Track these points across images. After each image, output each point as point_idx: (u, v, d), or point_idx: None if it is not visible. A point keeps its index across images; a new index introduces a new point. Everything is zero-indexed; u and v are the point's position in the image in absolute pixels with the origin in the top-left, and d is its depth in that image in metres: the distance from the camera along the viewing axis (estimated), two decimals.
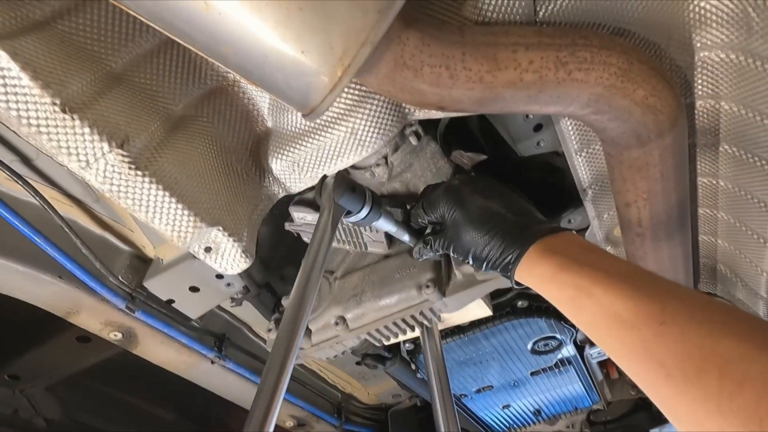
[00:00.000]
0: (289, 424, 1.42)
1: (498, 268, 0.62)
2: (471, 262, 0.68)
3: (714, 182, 0.90)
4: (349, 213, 0.68)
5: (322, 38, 0.49)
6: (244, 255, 0.73)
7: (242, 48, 0.50)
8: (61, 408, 1.27)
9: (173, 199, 0.64)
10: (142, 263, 1.04)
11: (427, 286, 0.89)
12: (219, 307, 1.20)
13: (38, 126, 0.53)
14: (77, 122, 0.55)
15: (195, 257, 0.95)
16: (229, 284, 1.02)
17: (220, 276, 0.99)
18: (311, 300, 0.58)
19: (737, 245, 0.98)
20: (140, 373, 1.31)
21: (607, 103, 0.60)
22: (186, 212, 0.65)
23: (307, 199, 0.99)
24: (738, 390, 0.33)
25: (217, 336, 1.16)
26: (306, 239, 1.05)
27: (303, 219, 1.00)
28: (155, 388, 1.41)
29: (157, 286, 1.00)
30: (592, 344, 1.24)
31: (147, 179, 0.61)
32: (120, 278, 0.95)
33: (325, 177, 0.67)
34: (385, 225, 0.76)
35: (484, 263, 0.64)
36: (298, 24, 0.48)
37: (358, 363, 1.46)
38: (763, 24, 0.61)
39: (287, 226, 1.03)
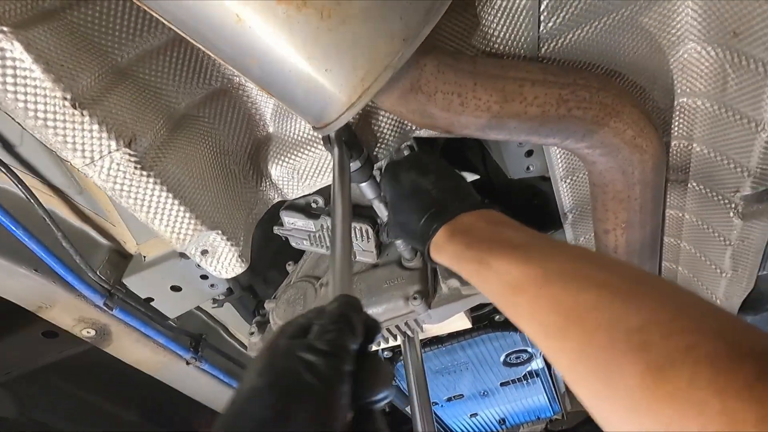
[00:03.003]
0: None
1: (420, 246, 0.64)
2: (403, 242, 0.71)
3: (680, 215, 0.98)
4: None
5: (346, 59, 0.51)
6: (240, 260, 0.73)
7: (267, 61, 0.51)
8: (17, 405, 1.20)
9: (176, 202, 0.63)
10: (121, 259, 1.00)
11: (414, 298, 0.91)
12: (198, 307, 1.18)
13: (45, 120, 0.52)
14: (86, 118, 0.53)
15: (180, 256, 0.94)
16: (212, 285, 1.01)
17: (204, 276, 0.98)
18: (350, 229, 0.61)
19: (695, 273, 1.07)
20: (103, 372, 1.26)
21: (599, 140, 0.65)
22: (187, 215, 0.65)
23: (299, 205, 1.00)
24: (593, 337, 0.35)
25: (194, 336, 1.14)
26: (294, 244, 1.05)
27: (293, 224, 1.01)
28: (118, 387, 1.36)
29: (137, 283, 0.97)
30: None
31: (152, 180, 0.60)
32: (98, 274, 0.92)
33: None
34: (369, 191, 0.80)
35: (413, 241, 0.66)
36: (326, 43, 0.49)
37: None
38: (737, 80, 0.68)
39: (276, 230, 1.03)
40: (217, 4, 0.46)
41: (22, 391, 1.19)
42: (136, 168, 0.58)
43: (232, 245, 0.71)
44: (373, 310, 0.94)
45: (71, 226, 0.93)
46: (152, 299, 1.01)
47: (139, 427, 1.52)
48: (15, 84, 0.49)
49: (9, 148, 0.81)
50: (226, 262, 0.72)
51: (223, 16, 0.47)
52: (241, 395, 0.33)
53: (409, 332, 0.99)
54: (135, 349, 1.03)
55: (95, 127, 0.54)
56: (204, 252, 0.70)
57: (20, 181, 0.76)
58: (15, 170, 0.78)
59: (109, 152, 0.56)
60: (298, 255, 1.15)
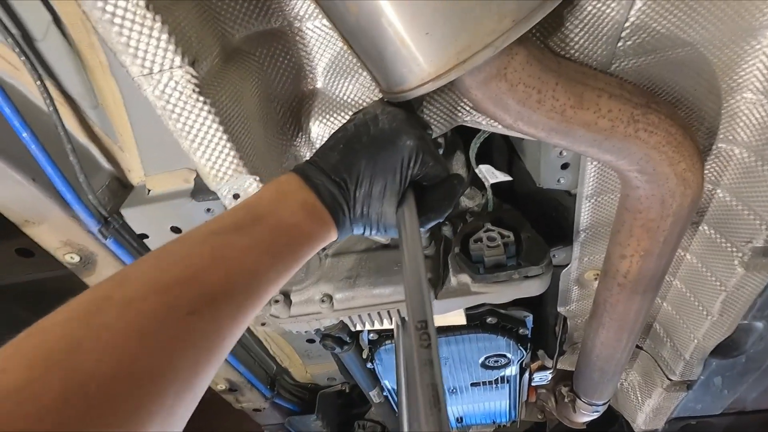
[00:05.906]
0: (221, 386, 1.36)
1: None
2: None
3: (682, 254, 1.03)
4: None
5: (450, 28, 0.49)
6: None
7: (369, 10, 0.48)
8: None
9: (225, 137, 0.59)
10: (120, 187, 0.94)
11: None
12: None
13: (113, 15, 0.47)
14: (158, 24, 0.48)
15: (191, 197, 0.89)
16: None
17: None
18: None
19: (680, 311, 1.12)
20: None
21: (653, 166, 0.66)
22: (232, 153, 0.61)
23: None
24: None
25: None
26: None
27: None
28: None
29: (135, 216, 0.91)
30: (534, 370, 1.35)
31: (206, 108, 0.56)
32: (98, 198, 0.85)
33: None
34: None
35: None
36: (435, 6, 0.47)
37: (309, 341, 1.44)
38: None
39: None
40: None
41: None
42: (194, 90, 0.54)
43: None
44: (380, 291, 0.92)
45: (75, 141, 0.85)
46: (147, 236, 0.95)
47: None
48: None
49: (29, 41, 0.73)
50: None
51: None
52: None
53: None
54: None
55: (164, 36, 0.49)
56: (236, 196, 0.66)
57: (41, 81, 0.68)
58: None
59: (171, 67, 0.52)
60: None
